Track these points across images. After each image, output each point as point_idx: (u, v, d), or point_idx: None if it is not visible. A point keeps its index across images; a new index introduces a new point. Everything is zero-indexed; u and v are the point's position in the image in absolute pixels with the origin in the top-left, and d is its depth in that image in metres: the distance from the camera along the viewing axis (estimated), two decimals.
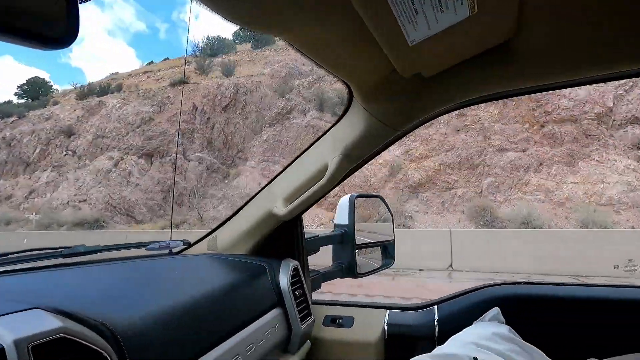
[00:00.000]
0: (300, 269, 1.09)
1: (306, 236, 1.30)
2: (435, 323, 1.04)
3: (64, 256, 0.89)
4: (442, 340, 1.01)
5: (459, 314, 1.04)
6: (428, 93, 0.84)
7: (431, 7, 0.55)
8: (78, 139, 17.71)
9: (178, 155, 15.73)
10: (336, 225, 1.49)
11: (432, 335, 1.04)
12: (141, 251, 1.10)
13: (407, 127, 0.93)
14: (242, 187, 14.03)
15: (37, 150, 17.88)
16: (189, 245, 1.19)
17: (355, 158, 0.96)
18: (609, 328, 0.91)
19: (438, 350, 0.88)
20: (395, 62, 0.72)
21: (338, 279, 1.46)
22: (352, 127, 0.94)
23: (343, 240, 1.44)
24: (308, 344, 1.07)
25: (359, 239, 1.46)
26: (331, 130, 0.99)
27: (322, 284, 1.39)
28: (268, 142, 15.53)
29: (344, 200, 1.50)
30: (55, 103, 21.74)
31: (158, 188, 14.94)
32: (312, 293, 1.32)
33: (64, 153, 17.41)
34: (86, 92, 21.96)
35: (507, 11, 0.61)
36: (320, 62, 0.76)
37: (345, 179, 1.06)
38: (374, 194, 1.71)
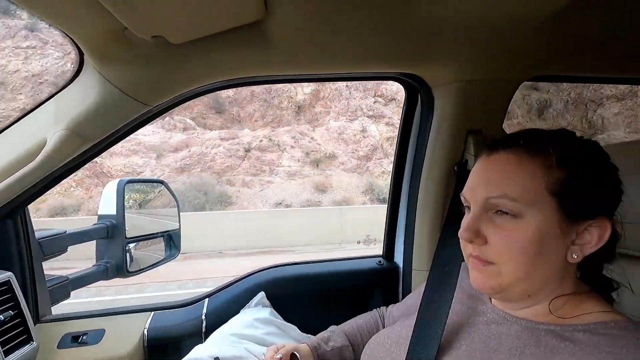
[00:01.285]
0: (14, 282, 0.81)
1: (44, 234, 0.99)
2: (203, 318, 0.98)
3: None
4: (209, 335, 0.96)
5: (229, 304, 1.01)
6: (180, 64, 0.72)
7: None
8: None
9: None
10: (100, 217, 1.21)
11: (200, 332, 0.97)
12: None
13: (160, 104, 0.79)
14: None
15: None
16: None
17: (90, 135, 0.76)
18: (350, 295, 1.07)
19: (195, 351, 0.82)
20: (120, 17, 0.56)
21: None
22: (84, 95, 0.73)
23: (109, 233, 1.19)
24: None
25: (131, 230, 1.24)
26: (56, 97, 0.74)
27: (86, 290, 1.12)
28: None
29: (110, 186, 1.23)
30: None
31: None
32: (58, 305, 1.04)
33: None
34: None
35: None
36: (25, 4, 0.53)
37: (84, 163, 0.83)
38: (154, 178, 1.50)
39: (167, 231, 1.47)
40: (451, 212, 0.80)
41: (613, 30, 0.74)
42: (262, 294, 1.00)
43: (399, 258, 1.09)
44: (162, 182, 1.47)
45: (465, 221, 0.54)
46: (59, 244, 1.03)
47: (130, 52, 0.68)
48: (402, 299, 1.07)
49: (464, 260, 0.67)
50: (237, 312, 0.98)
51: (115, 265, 1.20)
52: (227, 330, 0.89)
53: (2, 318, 0.74)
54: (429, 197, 0.97)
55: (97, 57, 0.69)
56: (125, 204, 1.25)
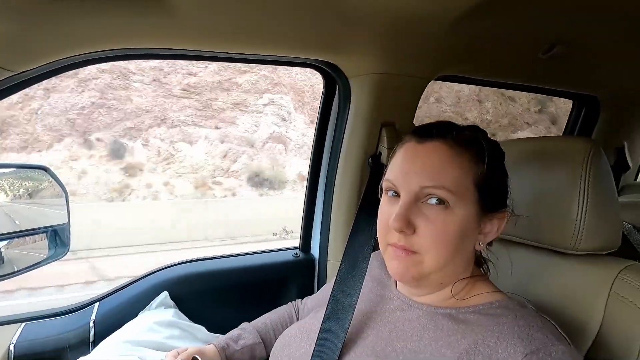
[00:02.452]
0: None
1: None
2: (91, 325, 0.85)
3: None
4: (98, 344, 0.83)
5: (124, 307, 0.89)
6: (52, 23, 0.59)
7: None
8: None
9: None
10: None
11: (87, 341, 0.84)
12: None
13: (28, 71, 0.64)
14: None
15: None
16: None
17: None
18: (265, 290, 1.03)
19: None
20: None
21: None
22: None
23: None
24: None
25: (1, 225, 1.03)
26: None
27: None
28: None
29: None
30: None
31: None
32: None
33: None
34: None
35: None
36: None
37: None
38: (34, 164, 1.27)
39: (52, 226, 1.25)
40: (364, 203, 0.81)
41: (517, 35, 0.80)
42: (164, 294, 0.90)
43: (315, 249, 1.08)
44: (45, 169, 1.25)
45: (389, 210, 0.53)
46: None
47: None
48: (317, 291, 1.07)
49: (375, 250, 0.68)
50: (134, 315, 0.87)
51: None
52: (120, 337, 0.78)
53: None
54: (345, 189, 0.97)
55: None
56: None
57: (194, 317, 0.91)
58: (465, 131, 0.54)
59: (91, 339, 0.84)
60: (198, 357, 0.65)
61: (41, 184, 1.29)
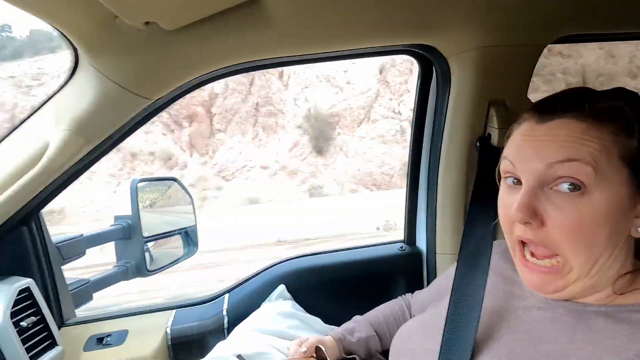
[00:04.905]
0: (35, 288, 0.80)
1: (60, 238, 0.99)
2: (224, 313, 0.96)
3: None
4: (232, 330, 0.94)
5: (249, 298, 0.99)
6: (178, 53, 0.69)
7: None
8: None
9: None
10: (117, 218, 1.21)
11: (222, 328, 0.95)
12: None
13: (162, 97, 0.76)
14: None
15: None
16: None
17: (94, 134, 0.73)
18: (372, 283, 1.03)
19: (218, 348, 0.80)
20: (108, 1, 0.52)
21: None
22: (82, 93, 0.70)
23: (126, 234, 1.19)
24: None
25: (148, 229, 1.23)
26: (55, 97, 0.72)
27: (106, 292, 1.13)
28: None
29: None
30: None
31: None
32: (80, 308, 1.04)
33: None
34: None
35: None
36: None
37: (92, 164, 0.82)
38: (166, 176, 1.49)
39: (184, 228, 1.46)
40: (477, 190, 0.75)
41: None
42: (282, 287, 0.97)
43: (421, 242, 1.05)
44: (174, 180, 1.46)
45: (509, 199, 0.46)
46: (76, 247, 1.03)
47: (123, 42, 0.65)
48: (427, 284, 1.03)
49: (495, 239, 0.62)
50: (258, 306, 0.96)
51: (135, 265, 1.20)
52: (249, 325, 0.87)
53: (25, 324, 0.74)
54: (450, 176, 0.91)
55: (91, 51, 0.65)
56: (142, 203, 1.25)
57: (307, 309, 0.96)
58: (603, 101, 0.44)
59: (225, 325, 0.95)
60: (321, 347, 0.68)
61: (173, 193, 1.51)
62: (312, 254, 1.05)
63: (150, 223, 1.27)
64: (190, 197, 1.49)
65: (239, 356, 0.70)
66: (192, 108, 11.82)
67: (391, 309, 0.85)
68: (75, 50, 0.67)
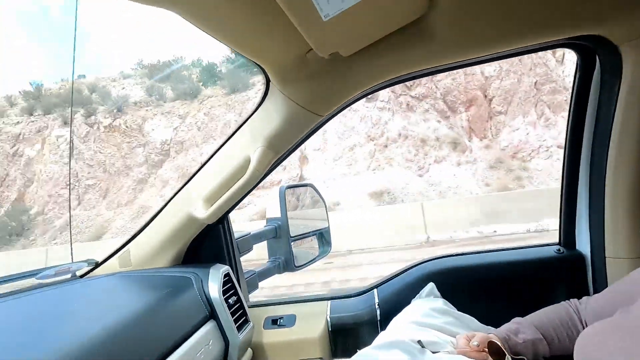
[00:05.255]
0: (232, 274, 1.00)
1: (236, 235, 1.21)
2: (376, 307, 1.04)
3: None
4: (384, 323, 1.01)
5: (398, 294, 1.05)
6: (348, 74, 0.80)
7: None
8: None
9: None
10: (269, 220, 1.41)
11: (375, 320, 1.03)
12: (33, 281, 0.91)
13: (330, 112, 0.88)
14: None
15: None
16: (96, 265, 1.02)
17: (279, 148, 0.89)
18: (525, 286, 1.00)
19: (381, 337, 0.88)
20: (310, 40, 0.65)
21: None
22: (271, 114, 0.86)
23: (277, 234, 1.37)
24: (249, 352, 1.00)
25: (294, 230, 1.40)
26: (249, 120, 0.90)
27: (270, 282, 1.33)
28: None
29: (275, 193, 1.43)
30: None
31: None
32: (250, 295, 1.24)
33: None
34: None
35: None
36: (228, 42, 0.67)
37: (271, 171, 0.98)
38: (304, 183, 1.67)
39: (320, 229, 1.61)
40: None
41: None
42: (432, 285, 1.01)
43: (582, 245, 0.97)
44: (311, 185, 1.63)
45: None
46: (248, 243, 1.24)
47: (308, 71, 0.78)
48: (594, 291, 0.95)
49: None
50: (407, 302, 1.01)
51: (285, 261, 1.37)
52: (406, 318, 0.93)
53: (231, 302, 0.93)
54: (624, 175, 0.84)
55: (281, 80, 0.81)
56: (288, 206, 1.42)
57: (458, 309, 0.98)
58: None
59: (378, 317, 1.03)
60: (496, 341, 0.70)
61: (309, 197, 1.67)
62: (461, 254, 1.07)
63: (294, 224, 1.44)
64: (324, 201, 1.64)
65: (419, 341, 0.76)
66: (471, 93, 12.37)
67: (557, 313, 0.81)
68: (267, 80, 0.84)
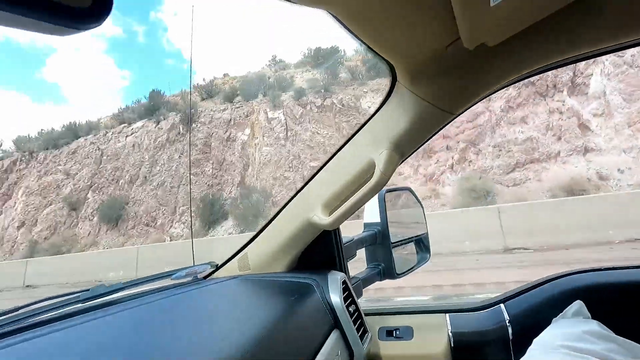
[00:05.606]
0: (348, 281, 0.97)
1: (343, 241, 1.18)
2: (507, 324, 0.93)
3: (83, 301, 0.76)
4: (518, 344, 0.90)
5: (533, 310, 0.93)
6: (491, 66, 0.72)
7: None
8: None
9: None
10: (366, 225, 1.37)
11: (506, 339, 0.92)
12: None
13: (463, 109, 0.80)
14: None
15: None
16: (217, 267, 1.06)
17: (405, 150, 0.84)
18: None
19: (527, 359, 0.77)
20: (464, 31, 0.59)
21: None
22: (397, 115, 0.81)
23: (377, 240, 1.32)
24: None
25: (393, 235, 1.34)
26: (371, 121, 0.86)
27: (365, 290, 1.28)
28: None
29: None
30: None
31: None
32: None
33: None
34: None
35: None
36: (367, 39, 0.63)
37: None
38: (402, 187, 1.60)
39: (418, 235, 1.53)
40: None
41: None
42: (579, 303, 0.87)
43: None
44: (408, 189, 1.55)
45: None
46: (352, 249, 1.21)
47: (444, 66, 0.72)
48: None
49: None
50: (546, 321, 0.89)
51: (385, 267, 1.31)
52: (552, 340, 0.81)
53: (351, 310, 0.90)
54: None
55: (412, 78, 0.75)
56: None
57: (617, 334, 0.83)
58: None
59: (510, 337, 0.92)
60: None
61: (407, 202, 1.59)
62: (614, 268, 0.91)
63: (394, 230, 1.38)
64: (422, 205, 1.55)
65: None
66: None
67: None
68: (393, 78, 0.79)
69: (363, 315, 0.95)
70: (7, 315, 0.67)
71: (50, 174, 16.86)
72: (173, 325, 0.66)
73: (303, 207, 0.95)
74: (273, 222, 1.00)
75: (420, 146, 0.88)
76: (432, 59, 0.71)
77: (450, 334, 0.97)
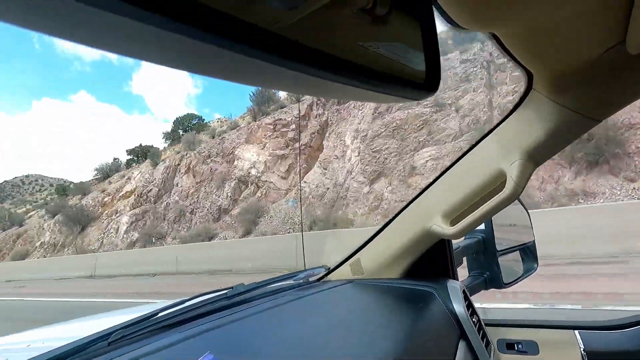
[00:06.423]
0: (467, 290, 0.96)
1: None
2: None
3: (229, 298, 0.86)
4: None
5: None
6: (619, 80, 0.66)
7: None
8: None
9: None
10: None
11: None
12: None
13: (612, 113, 0.75)
14: None
15: None
16: (329, 271, 1.12)
17: (540, 159, 0.80)
18: None
19: None
20: (636, 35, 0.55)
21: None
22: (531, 123, 0.78)
23: (480, 247, 1.28)
24: None
25: (499, 244, 1.28)
26: (498, 129, 0.84)
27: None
28: None
29: None
30: None
31: None
32: None
33: None
34: None
35: None
36: (512, 49, 0.62)
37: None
38: None
39: (524, 244, 1.44)
40: None
41: None
42: None
43: None
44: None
45: None
46: (459, 256, 1.18)
47: (597, 73, 0.67)
48: None
49: None
50: None
51: (491, 276, 1.26)
52: None
53: (474, 320, 0.88)
54: None
55: (554, 86, 0.71)
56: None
57: None
58: None
59: None
60: None
61: (512, 208, 1.51)
62: None
63: (499, 237, 1.31)
64: (528, 213, 1.46)
65: None
66: None
67: None
68: (529, 86, 0.76)
69: (483, 325, 0.93)
70: (177, 307, 0.78)
71: None
72: (317, 324, 0.72)
73: (421, 215, 0.95)
74: (387, 228, 1.02)
75: (555, 154, 0.83)
76: (583, 66, 0.67)
77: (583, 352, 0.90)
